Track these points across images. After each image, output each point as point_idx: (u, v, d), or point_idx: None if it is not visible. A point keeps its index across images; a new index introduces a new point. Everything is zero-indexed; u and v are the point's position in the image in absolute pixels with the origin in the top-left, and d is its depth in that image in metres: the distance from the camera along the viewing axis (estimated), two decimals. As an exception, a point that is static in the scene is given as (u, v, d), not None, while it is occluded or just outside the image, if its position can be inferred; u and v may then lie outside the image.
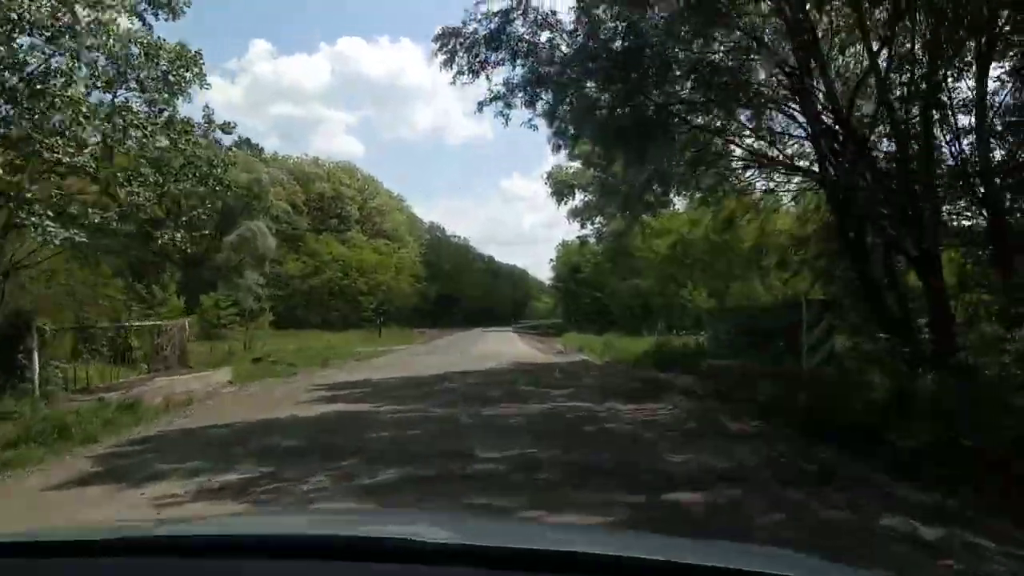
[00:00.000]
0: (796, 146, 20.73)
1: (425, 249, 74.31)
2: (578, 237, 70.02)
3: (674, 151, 20.24)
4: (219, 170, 15.10)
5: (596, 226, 66.25)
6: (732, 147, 21.50)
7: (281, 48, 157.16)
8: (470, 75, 17.16)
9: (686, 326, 49.89)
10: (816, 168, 17.88)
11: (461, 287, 78.33)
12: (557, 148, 20.84)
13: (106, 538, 1.71)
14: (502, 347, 37.01)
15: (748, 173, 22.75)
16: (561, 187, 65.69)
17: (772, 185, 23.30)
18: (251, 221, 52.91)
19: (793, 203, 23.60)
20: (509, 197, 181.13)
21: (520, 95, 17.35)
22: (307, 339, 46.49)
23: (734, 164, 22.49)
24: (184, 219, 17.28)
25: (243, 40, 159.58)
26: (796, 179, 20.95)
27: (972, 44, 13.16)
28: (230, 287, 53.10)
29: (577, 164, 67.31)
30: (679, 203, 63.03)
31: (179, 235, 17.19)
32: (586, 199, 66.70)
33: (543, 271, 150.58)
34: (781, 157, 21.38)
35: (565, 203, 67.08)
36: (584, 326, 61.27)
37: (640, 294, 53.72)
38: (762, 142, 21.54)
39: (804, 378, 13.49)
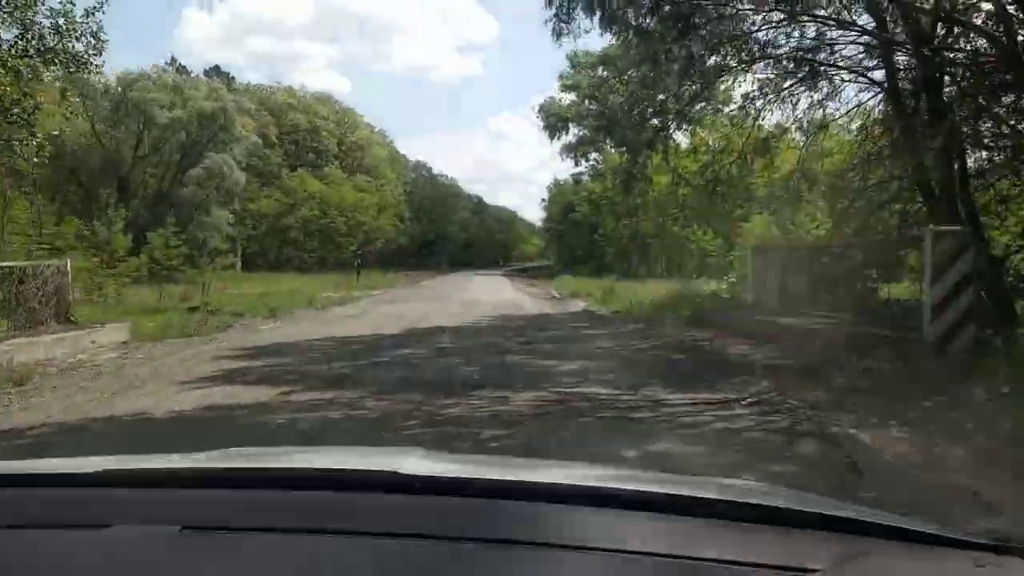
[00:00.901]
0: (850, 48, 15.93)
1: (410, 188, 68.93)
2: (572, 175, 64.97)
3: (710, 44, 15.28)
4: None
5: (591, 163, 61.20)
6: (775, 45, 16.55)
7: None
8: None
9: (690, 269, 45.29)
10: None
11: (448, 228, 73.22)
12: (558, 35, 15.65)
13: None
14: (490, 293, 32.19)
15: (788, 84, 17.75)
16: (554, 120, 60.25)
17: (818, 97, 18.22)
18: (218, 154, 47.49)
19: (847, 117, 18.45)
20: (498, 136, 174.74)
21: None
22: (276, 283, 41.80)
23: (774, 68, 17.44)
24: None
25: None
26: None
27: None
28: (197, 226, 48.17)
29: (572, 96, 61.94)
30: (681, 138, 57.35)
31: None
32: (581, 133, 61.44)
33: (532, 212, 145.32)
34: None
35: (558, 138, 61.75)
36: (576, 269, 56.56)
37: (637, 235, 48.91)
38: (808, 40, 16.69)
39: (935, 351, 8.79)
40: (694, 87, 16.87)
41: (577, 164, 62.18)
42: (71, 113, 29.42)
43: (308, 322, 18.77)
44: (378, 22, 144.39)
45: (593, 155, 60.23)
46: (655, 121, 17.93)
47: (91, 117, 46.91)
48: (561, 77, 59.43)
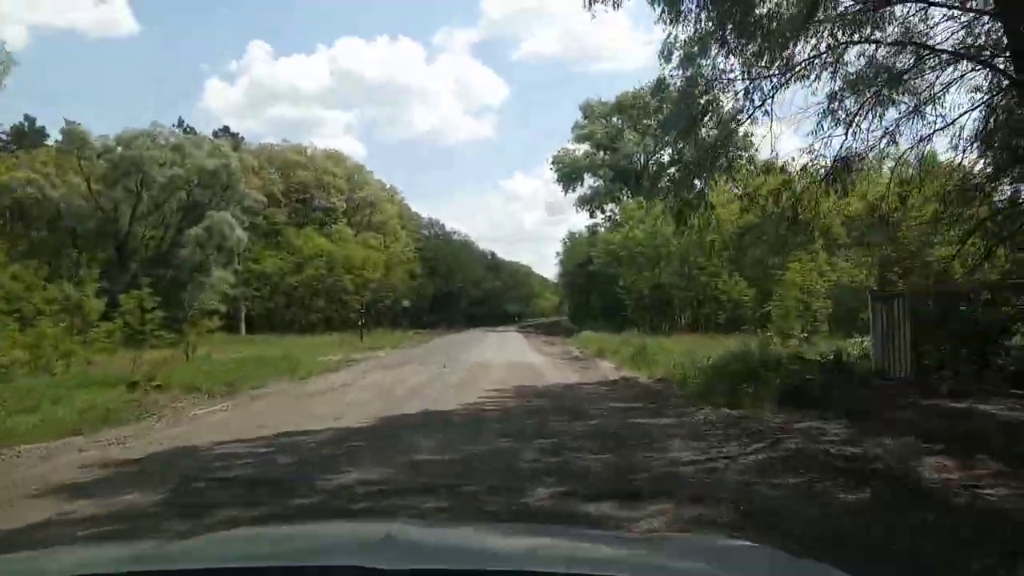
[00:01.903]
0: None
1: (422, 245, 64.47)
2: (587, 227, 60.58)
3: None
4: None
5: (607, 214, 56.64)
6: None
7: (279, 49, 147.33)
8: None
9: (720, 320, 40.19)
10: None
11: (462, 284, 68.56)
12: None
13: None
14: (504, 353, 27.27)
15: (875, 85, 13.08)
16: (568, 171, 55.96)
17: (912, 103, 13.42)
18: (218, 213, 43.23)
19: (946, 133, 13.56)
20: (511, 196, 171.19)
21: None
22: (275, 345, 37.13)
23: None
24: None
25: (242, 41, 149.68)
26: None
27: None
28: (196, 287, 43.74)
29: (585, 146, 57.71)
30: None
31: None
32: (595, 184, 57.15)
33: (546, 268, 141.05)
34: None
35: (572, 190, 57.49)
36: (594, 324, 51.54)
37: (659, 286, 43.97)
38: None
39: None
40: (767, 81, 12.07)
41: (592, 216, 57.83)
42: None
43: (268, 401, 14.00)
44: (392, 89, 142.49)
45: (609, 206, 55.81)
46: (713, 131, 13.02)
47: (87, 177, 43.06)
48: (575, 127, 55.57)
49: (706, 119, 13.36)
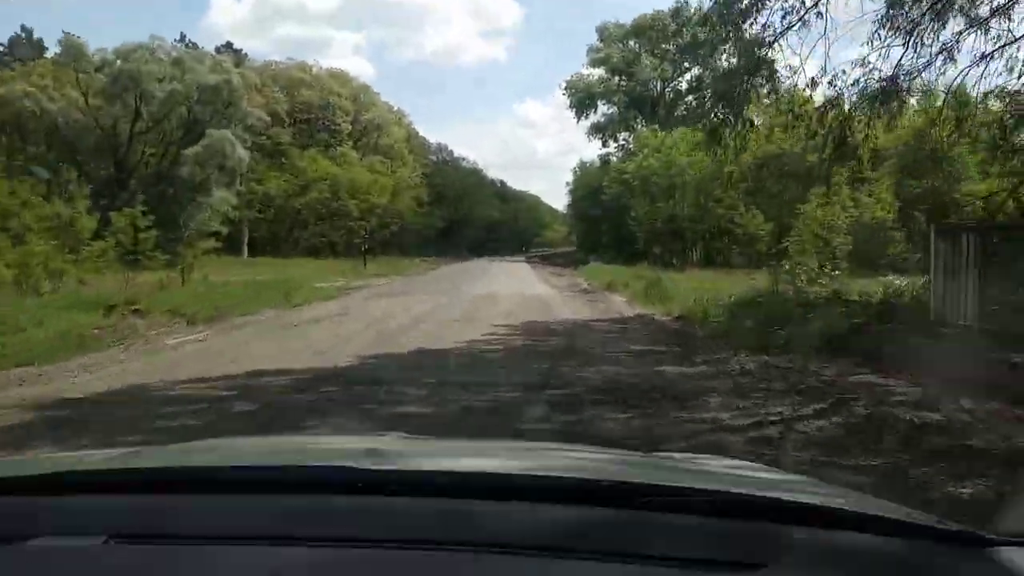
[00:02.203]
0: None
1: (431, 171, 62.52)
2: (599, 156, 58.38)
3: None
4: None
5: (620, 143, 54.41)
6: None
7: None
8: None
9: (734, 255, 38.65)
10: None
11: (470, 213, 66.83)
12: None
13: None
14: (510, 284, 25.92)
15: None
16: (582, 97, 53.45)
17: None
18: (218, 131, 41.40)
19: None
20: (523, 122, 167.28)
21: None
22: (276, 269, 35.92)
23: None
24: None
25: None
26: None
27: None
28: (195, 207, 42.26)
29: (600, 71, 55.07)
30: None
31: None
32: (609, 112, 54.78)
33: (556, 198, 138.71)
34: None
35: (586, 116, 55.01)
36: (603, 255, 50.03)
37: (674, 218, 42.24)
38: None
39: None
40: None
41: (605, 145, 55.62)
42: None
43: (252, 330, 12.74)
44: (403, 8, 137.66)
45: (623, 135, 53.56)
46: (757, 34, 11.31)
47: (84, 91, 41.15)
48: (589, 51, 52.87)
49: (750, 21, 11.53)
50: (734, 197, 36.64)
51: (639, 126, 50.42)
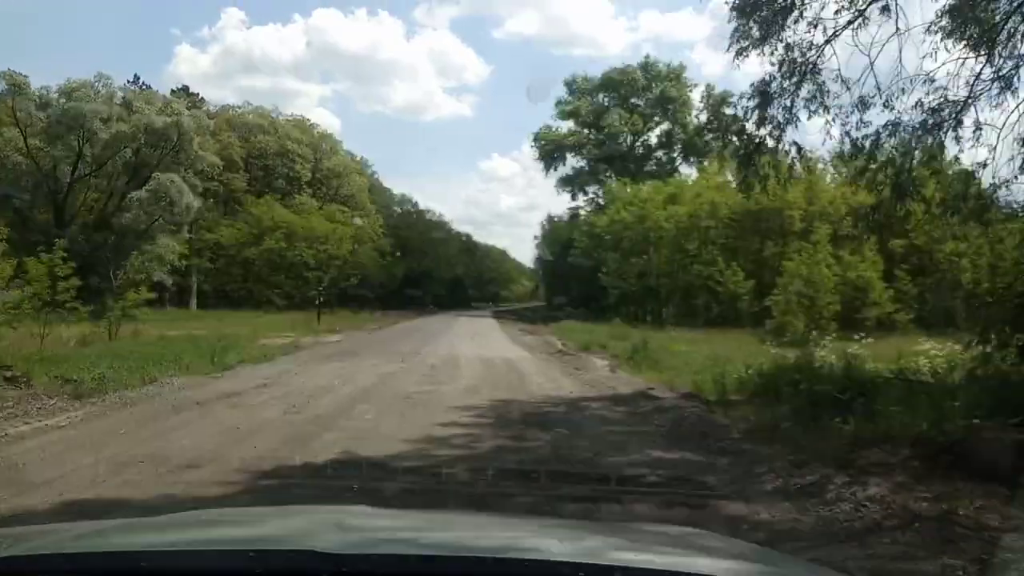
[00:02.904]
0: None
1: (394, 221, 59.43)
2: (568, 209, 55.93)
3: None
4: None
5: (589, 196, 52.00)
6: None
7: (254, 17, 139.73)
8: None
9: (713, 314, 35.85)
10: None
11: (435, 265, 63.61)
12: None
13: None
14: (477, 344, 22.66)
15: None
16: (551, 149, 51.04)
17: None
18: (164, 174, 37.96)
19: None
20: (488, 177, 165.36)
21: None
22: (216, 323, 32.19)
23: None
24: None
25: (215, 6, 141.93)
26: None
27: None
28: (142, 255, 38.52)
29: (569, 123, 52.91)
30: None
31: None
32: (579, 165, 52.47)
33: (521, 253, 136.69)
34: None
35: (554, 169, 52.51)
36: (573, 311, 47.09)
37: (644, 274, 39.50)
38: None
39: None
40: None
41: (574, 198, 53.24)
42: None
43: (136, 412, 9.41)
44: (370, 63, 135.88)
45: (592, 188, 51.23)
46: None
47: (23, 131, 37.55)
48: (558, 104, 50.67)
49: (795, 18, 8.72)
50: (712, 253, 34.09)
51: (609, 179, 48.12)
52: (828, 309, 28.79)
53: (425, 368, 14.59)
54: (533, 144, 51.44)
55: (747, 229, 35.27)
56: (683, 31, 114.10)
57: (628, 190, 40.24)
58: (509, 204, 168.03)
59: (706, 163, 44.64)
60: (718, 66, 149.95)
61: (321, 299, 35.11)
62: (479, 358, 17.25)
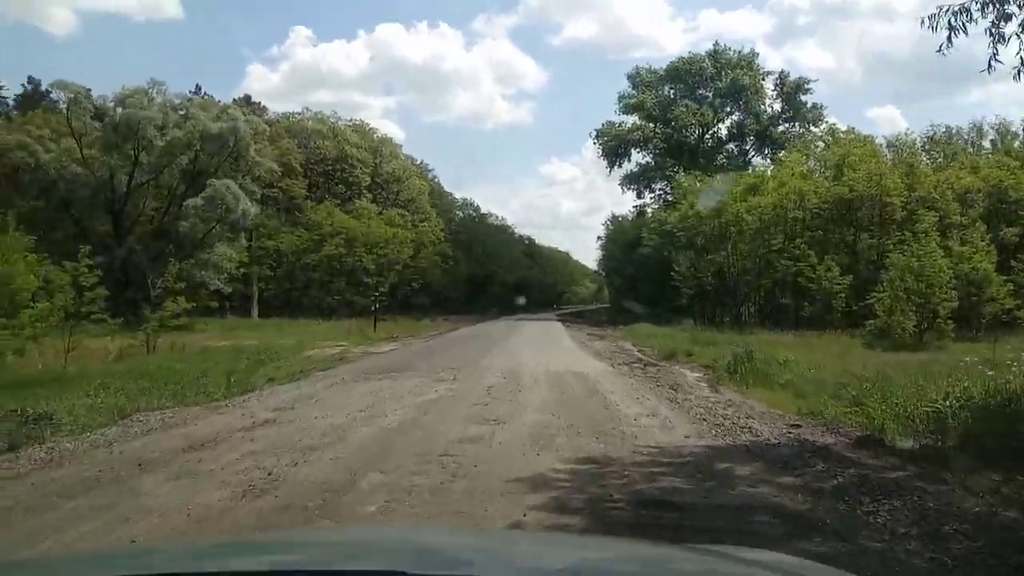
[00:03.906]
0: None
1: (456, 226, 56.12)
2: (634, 207, 51.53)
3: None
4: None
5: (656, 193, 47.61)
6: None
7: (320, 35, 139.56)
8: None
9: (804, 314, 31.11)
10: None
11: (497, 269, 60.05)
12: None
13: None
14: (543, 354, 18.80)
15: None
16: (615, 146, 47.02)
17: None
18: (220, 181, 35.35)
19: None
20: (548, 182, 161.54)
21: None
22: (275, 332, 29.39)
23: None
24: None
25: (285, 26, 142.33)
26: None
27: None
28: (181, 263, 35.99)
29: (633, 118, 48.62)
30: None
31: None
32: (644, 161, 48.12)
33: (583, 256, 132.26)
34: None
35: (619, 165, 48.19)
36: (640, 314, 42.76)
37: (722, 272, 34.92)
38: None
39: None
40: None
41: (640, 196, 48.87)
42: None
43: (99, 454, 5.66)
44: (431, 74, 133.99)
45: (659, 185, 46.78)
46: None
47: (79, 138, 35.47)
48: (621, 98, 46.45)
49: None
50: (800, 247, 29.40)
51: (677, 174, 43.63)
52: (944, 306, 23.93)
53: (479, 392, 10.80)
54: (596, 141, 47.35)
55: (839, 220, 30.47)
56: (742, 29, 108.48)
57: (699, 184, 35.74)
58: (569, 208, 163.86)
59: (783, 154, 39.94)
60: (778, 62, 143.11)
61: (377, 305, 31.83)
62: (547, 374, 13.40)
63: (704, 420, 8.43)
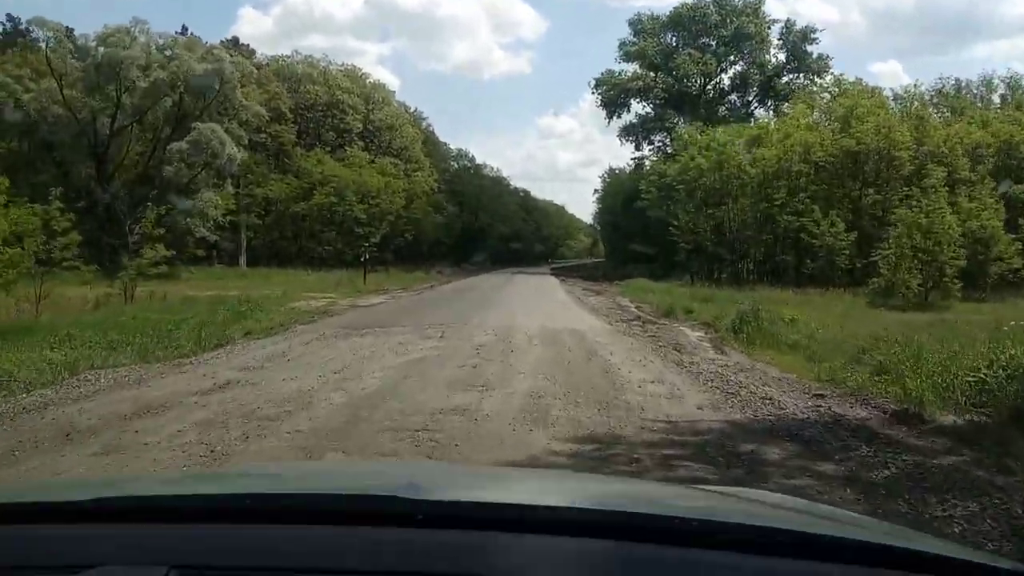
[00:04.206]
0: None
1: (450, 177, 54.64)
2: (632, 159, 50.00)
3: None
4: None
5: (656, 145, 46.08)
6: None
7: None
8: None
9: (806, 271, 30.13)
10: None
11: (492, 221, 58.76)
12: None
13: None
14: (538, 310, 17.87)
15: None
16: (615, 95, 45.05)
17: None
18: (205, 124, 33.83)
19: None
20: (545, 133, 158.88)
21: None
22: (257, 282, 28.42)
23: None
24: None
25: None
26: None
27: None
28: (158, 209, 34.76)
29: (634, 66, 46.79)
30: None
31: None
32: (644, 112, 46.47)
33: (579, 209, 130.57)
34: None
35: (618, 116, 46.45)
36: (635, 268, 41.83)
37: (722, 226, 33.82)
38: None
39: None
40: None
41: (639, 148, 47.33)
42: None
43: (28, 419, 4.68)
44: (428, 20, 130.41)
45: (658, 136, 45.26)
46: None
47: (59, 80, 33.76)
48: (622, 45, 44.59)
49: None
50: (804, 202, 28.29)
51: (677, 125, 42.15)
52: (951, 265, 23.01)
53: (467, 351, 9.83)
54: (594, 91, 45.59)
55: (843, 174, 29.28)
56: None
57: (700, 136, 34.36)
58: (567, 160, 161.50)
59: (786, 106, 38.45)
60: (782, 14, 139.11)
61: (367, 256, 30.66)
62: (541, 331, 12.44)
63: (716, 387, 7.48)
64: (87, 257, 23.36)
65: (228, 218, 35.94)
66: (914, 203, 24.18)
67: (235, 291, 22.41)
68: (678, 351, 10.76)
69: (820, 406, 6.55)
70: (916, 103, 33.05)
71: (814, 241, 26.45)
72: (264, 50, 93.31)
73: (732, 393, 7.10)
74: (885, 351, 8.52)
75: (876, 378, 7.72)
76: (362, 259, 30.32)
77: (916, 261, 22.89)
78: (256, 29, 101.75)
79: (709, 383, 7.74)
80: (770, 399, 6.82)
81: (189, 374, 8.67)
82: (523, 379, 7.66)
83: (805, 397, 7.11)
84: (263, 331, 13.58)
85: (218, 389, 7.40)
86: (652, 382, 7.75)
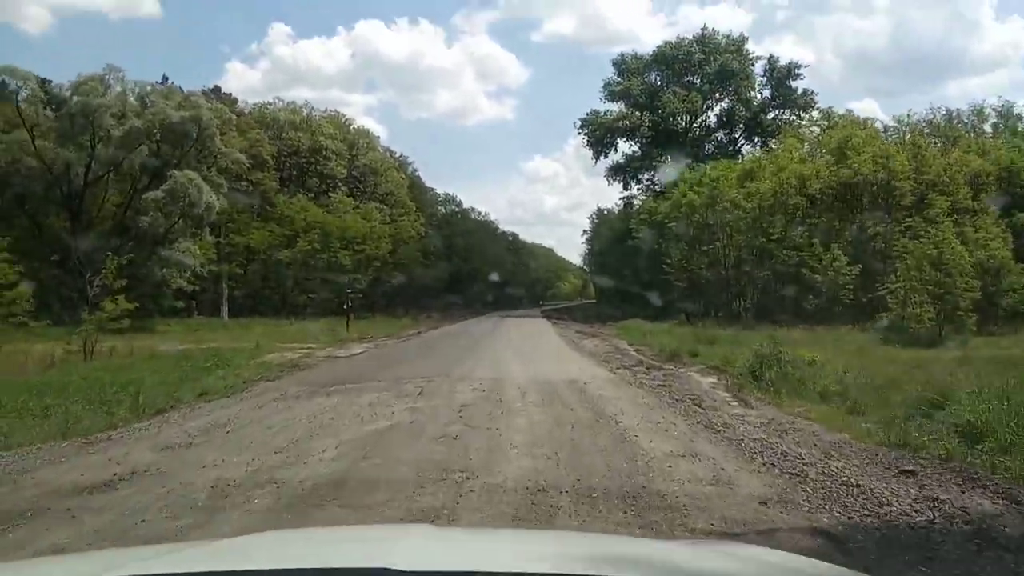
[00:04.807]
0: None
1: (439, 222, 53.08)
2: (621, 199, 48.61)
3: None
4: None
5: (643, 184, 44.69)
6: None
7: (300, 32, 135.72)
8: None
9: (808, 307, 28.36)
10: None
11: (481, 265, 57.09)
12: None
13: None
14: (531, 359, 15.99)
15: None
16: (601, 134, 43.98)
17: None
18: (181, 172, 32.12)
19: None
20: (531, 178, 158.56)
21: None
22: (242, 333, 26.52)
23: None
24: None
25: (263, 22, 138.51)
26: None
27: None
28: (158, 261, 33.00)
29: (619, 106, 45.62)
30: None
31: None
32: (631, 151, 45.21)
33: (567, 252, 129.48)
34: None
35: (604, 155, 45.18)
36: (629, 308, 40.05)
37: (716, 263, 32.19)
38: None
39: None
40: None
41: (627, 187, 46.00)
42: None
43: None
44: (412, 71, 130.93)
45: (647, 175, 43.92)
46: None
47: (31, 131, 32.09)
48: (607, 85, 43.53)
49: None
50: (802, 235, 26.72)
51: (664, 163, 40.87)
52: (965, 297, 21.35)
53: (448, 415, 7.92)
54: (580, 131, 44.42)
55: (842, 207, 27.81)
56: (723, 23, 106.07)
57: (693, 171, 32.99)
58: (552, 204, 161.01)
59: (774, 143, 37.29)
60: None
61: (350, 303, 28.78)
62: (536, 383, 10.57)
63: (769, 464, 5.60)
64: (46, 312, 21.27)
65: (208, 268, 34.07)
66: (920, 234, 22.63)
67: (212, 343, 20.66)
68: (699, 406, 8.90)
69: (924, 494, 4.67)
70: (910, 133, 31.82)
71: (816, 276, 24.76)
72: (253, 102, 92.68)
73: (795, 474, 5.22)
74: (970, 406, 6.67)
75: (969, 445, 5.87)
76: (345, 306, 28.38)
77: (927, 295, 21.25)
78: (244, 83, 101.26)
79: (757, 456, 5.87)
80: (849, 483, 4.94)
81: (96, 456, 6.73)
82: (516, 457, 5.76)
83: (889, 475, 5.25)
84: (221, 391, 11.67)
85: (113, 484, 5.46)
86: (683, 456, 5.87)
